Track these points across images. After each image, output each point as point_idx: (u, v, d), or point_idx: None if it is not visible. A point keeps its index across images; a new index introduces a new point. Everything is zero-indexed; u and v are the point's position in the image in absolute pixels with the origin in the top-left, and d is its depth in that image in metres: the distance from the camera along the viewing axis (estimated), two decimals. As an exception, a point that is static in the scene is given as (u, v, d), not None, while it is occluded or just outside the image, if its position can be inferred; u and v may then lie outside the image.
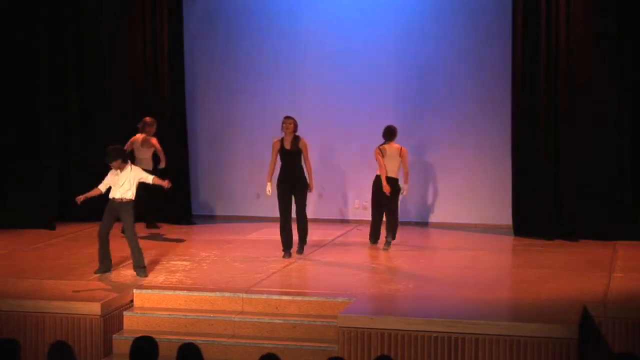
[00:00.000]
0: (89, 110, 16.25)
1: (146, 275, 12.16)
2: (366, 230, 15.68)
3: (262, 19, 16.42)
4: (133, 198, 12.16)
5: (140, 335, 7.67)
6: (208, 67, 16.69)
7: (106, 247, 12.24)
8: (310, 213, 16.34)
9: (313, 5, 16.33)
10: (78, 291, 11.51)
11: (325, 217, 16.43)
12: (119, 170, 12.13)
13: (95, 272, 12.25)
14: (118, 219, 12.24)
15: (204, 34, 16.62)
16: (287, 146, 13.20)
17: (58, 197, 15.88)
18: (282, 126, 13.25)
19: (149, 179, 12.31)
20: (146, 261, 12.79)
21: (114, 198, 12.14)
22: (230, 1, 16.64)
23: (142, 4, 16.04)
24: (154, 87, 16.13)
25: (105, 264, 12.30)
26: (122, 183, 12.09)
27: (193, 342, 7.47)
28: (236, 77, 16.64)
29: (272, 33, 16.42)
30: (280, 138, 13.27)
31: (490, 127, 15.69)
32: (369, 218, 16.16)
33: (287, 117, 13.32)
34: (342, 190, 16.44)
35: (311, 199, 16.35)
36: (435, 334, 10.13)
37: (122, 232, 12.45)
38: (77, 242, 14.20)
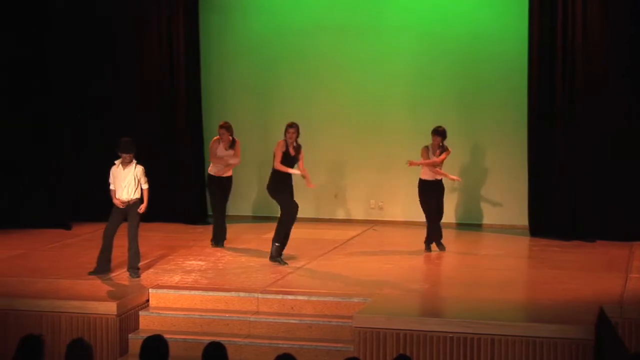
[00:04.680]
0: (102, 109, 16.24)
1: (139, 277, 12.09)
2: (382, 230, 15.69)
3: (278, 17, 16.45)
4: (140, 197, 12.14)
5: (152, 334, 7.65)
6: (224, 64, 16.69)
7: (109, 249, 12.20)
8: (325, 213, 16.43)
9: (329, 5, 16.34)
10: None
11: (341, 218, 16.42)
12: (121, 167, 12.08)
13: (89, 274, 12.18)
14: (126, 219, 12.20)
15: (219, 29, 16.63)
16: (292, 152, 12.91)
17: (74, 196, 15.93)
18: (286, 135, 12.85)
19: (144, 185, 12.16)
20: (162, 261, 12.87)
21: (120, 199, 12.10)
22: None
23: (158, 1, 16.09)
24: (169, 86, 16.14)
25: (103, 267, 12.21)
26: (127, 182, 12.04)
27: (220, 341, 7.43)
28: (250, 77, 16.65)
29: (287, 31, 16.44)
30: (284, 140, 12.87)
31: (507, 128, 15.66)
32: (385, 218, 16.19)
33: (291, 126, 12.88)
34: (357, 190, 16.41)
35: (326, 199, 16.43)
36: (451, 335, 10.10)
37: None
38: (92, 241, 14.17)
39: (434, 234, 13.85)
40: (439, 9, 15.90)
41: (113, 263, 12.38)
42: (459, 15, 15.82)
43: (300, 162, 13.02)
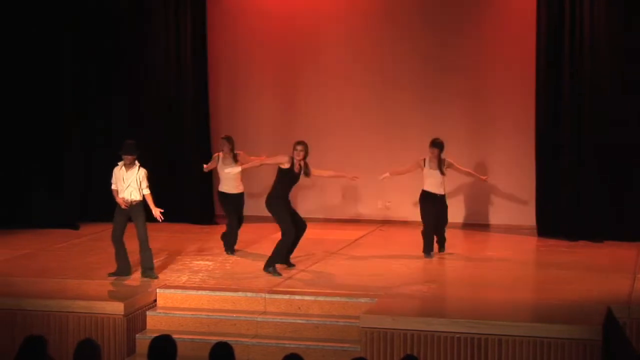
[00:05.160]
0: (109, 109, 16.29)
1: (156, 277, 12.04)
2: (389, 230, 15.66)
3: (287, 18, 16.47)
4: (141, 198, 12.06)
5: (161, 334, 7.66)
6: (231, 65, 16.70)
7: (122, 250, 12.15)
8: (333, 213, 16.40)
9: (336, 7, 16.34)
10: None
11: (348, 218, 16.41)
12: (124, 168, 12.04)
13: (109, 275, 12.14)
14: (130, 219, 12.14)
15: (227, 29, 16.64)
16: (297, 170, 12.45)
17: (81, 197, 15.94)
18: (293, 152, 12.33)
19: (146, 191, 12.05)
20: (169, 261, 12.95)
21: (123, 199, 12.07)
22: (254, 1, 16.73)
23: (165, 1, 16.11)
24: (176, 86, 16.16)
25: (123, 268, 12.17)
26: (129, 183, 11.99)
27: (227, 341, 7.43)
28: (260, 77, 16.66)
29: (296, 32, 16.46)
30: (291, 157, 12.39)
31: (514, 128, 15.65)
32: (392, 218, 16.13)
33: (299, 143, 12.38)
34: (365, 190, 16.39)
35: (335, 200, 16.42)
36: (458, 335, 10.08)
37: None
38: (100, 241, 14.22)
39: (438, 238, 13.74)
40: (448, 10, 15.90)
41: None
42: (467, 15, 15.81)
43: (316, 172, 12.65)
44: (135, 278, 12.14)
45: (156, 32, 16.18)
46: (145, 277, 12.06)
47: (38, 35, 15.56)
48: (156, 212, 12.00)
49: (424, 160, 13.49)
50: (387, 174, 13.70)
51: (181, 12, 16.02)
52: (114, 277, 12.10)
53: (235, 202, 13.78)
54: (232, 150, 13.65)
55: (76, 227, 15.49)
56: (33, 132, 15.65)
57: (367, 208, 16.44)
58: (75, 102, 15.98)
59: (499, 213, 15.90)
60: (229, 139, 13.69)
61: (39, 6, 15.57)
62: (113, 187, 12.14)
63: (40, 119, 15.67)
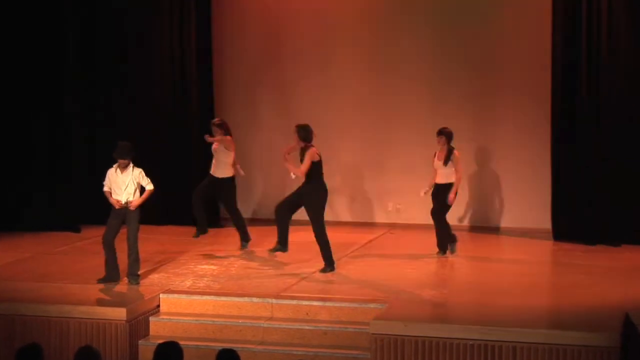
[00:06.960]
0: (114, 110, 16.24)
1: (138, 283, 11.84)
2: (400, 233, 15.53)
3: (292, 15, 16.36)
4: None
5: (166, 341, 7.54)
6: (237, 65, 16.60)
7: (112, 255, 11.93)
8: (343, 216, 16.27)
9: (342, 6, 16.23)
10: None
11: (358, 220, 16.29)
12: (119, 170, 11.83)
13: (98, 281, 11.91)
14: (124, 222, 11.92)
15: (233, 29, 16.54)
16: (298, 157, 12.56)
17: (83, 200, 15.81)
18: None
19: (149, 186, 11.83)
20: (173, 265, 12.83)
21: (118, 200, 11.83)
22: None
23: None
24: (181, 87, 16.08)
25: (111, 274, 11.94)
26: (127, 185, 11.79)
27: (232, 348, 7.29)
28: (265, 79, 16.57)
29: (303, 31, 16.36)
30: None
31: (530, 130, 15.53)
32: (403, 221, 16.01)
33: (295, 127, 12.54)
34: (375, 193, 16.29)
35: (344, 202, 16.25)
36: (471, 342, 9.93)
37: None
38: (101, 245, 14.02)
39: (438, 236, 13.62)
40: (455, 8, 15.77)
41: (120, 268, 12.09)
42: (477, 14, 15.69)
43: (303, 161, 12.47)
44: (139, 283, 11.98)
45: (161, 31, 16.10)
46: (128, 280, 11.89)
47: (40, 33, 15.52)
48: (136, 203, 11.76)
49: (435, 153, 13.46)
50: (427, 189, 13.55)
51: (186, 10, 15.95)
52: (104, 284, 11.89)
53: (217, 183, 13.77)
54: (226, 134, 13.78)
55: (77, 230, 15.39)
56: (34, 133, 15.60)
57: (378, 211, 16.31)
58: (78, 101, 15.92)
59: (514, 216, 15.80)
60: (219, 125, 13.77)
61: (43, 3, 15.51)
62: (105, 189, 11.94)
63: (43, 118, 15.62)
